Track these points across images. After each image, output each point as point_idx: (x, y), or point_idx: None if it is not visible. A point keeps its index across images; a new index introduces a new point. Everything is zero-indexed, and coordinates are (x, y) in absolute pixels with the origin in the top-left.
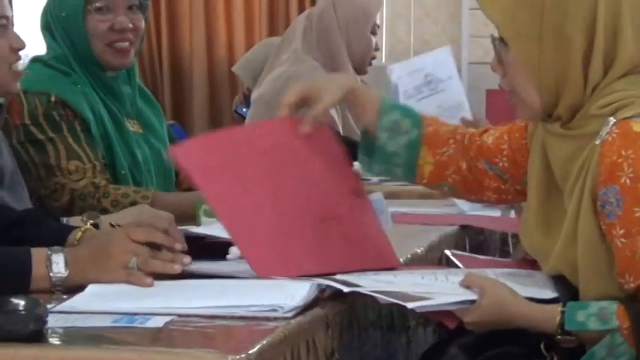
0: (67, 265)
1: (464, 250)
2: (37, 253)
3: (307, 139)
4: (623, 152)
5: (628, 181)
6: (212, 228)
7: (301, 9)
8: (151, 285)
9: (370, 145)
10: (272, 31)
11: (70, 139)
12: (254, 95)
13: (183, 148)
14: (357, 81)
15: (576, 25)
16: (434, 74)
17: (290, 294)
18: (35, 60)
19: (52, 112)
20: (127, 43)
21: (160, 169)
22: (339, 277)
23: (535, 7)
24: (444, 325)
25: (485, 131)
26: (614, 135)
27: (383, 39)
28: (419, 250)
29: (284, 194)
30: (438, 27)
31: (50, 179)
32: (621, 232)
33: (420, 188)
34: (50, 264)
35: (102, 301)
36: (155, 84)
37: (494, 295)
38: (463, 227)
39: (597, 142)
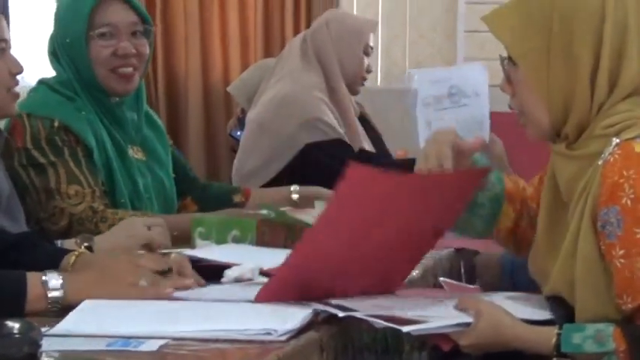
0: (63, 285)
1: (459, 272)
2: (33, 276)
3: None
4: (625, 173)
5: (629, 202)
6: (207, 251)
7: (296, 31)
8: (171, 293)
9: None
10: (267, 53)
11: (72, 164)
12: (249, 116)
13: (357, 170)
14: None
15: (584, 44)
16: (459, 87)
17: (284, 318)
18: (41, 82)
19: (54, 137)
20: (130, 69)
21: (161, 196)
22: (334, 301)
23: (543, 26)
24: (439, 348)
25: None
26: (617, 155)
27: (378, 61)
28: (414, 273)
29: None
30: (433, 49)
31: (49, 203)
32: (621, 252)
33: None
34: (47, 284)
35: (96, 323)
36: (150, 106)
37: (491, 318)
38: (458, 250)
39: (600, 163)
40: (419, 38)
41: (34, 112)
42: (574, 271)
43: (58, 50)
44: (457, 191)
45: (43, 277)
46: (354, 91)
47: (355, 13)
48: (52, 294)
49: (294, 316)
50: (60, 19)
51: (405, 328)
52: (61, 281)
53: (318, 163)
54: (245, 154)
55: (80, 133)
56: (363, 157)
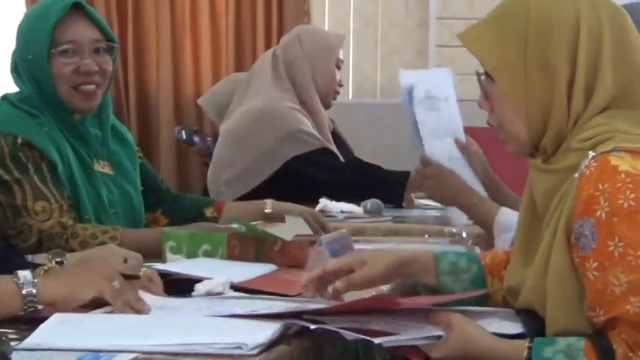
0: (36, 282)
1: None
2: (3, 277)
3: None
4: (600, 186)
5: (603, 215)
6: (177, 265)
7: (268, 44)
8: (148, 311)
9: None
10: (239, 67)
11: (37, 180)
12: (222, 128)
13: None
14: (401, 252)
15: (560, 55)
16: (432, 92)
17: (255, 331)
18: (4, 98)
19: (18, 154)
20: (92, 86)
21: (129, 210)
22: (307, 315)
23: (518, 39)
24: None
25: None
26: (592, 168)
27: (350, 76)
28: (384, 288)
29: None
30: (404, 64)
31: (17, 220)
32: (594, 265)
33: (385, 225)
34: (19, 281)
35: (66, 337)
36: (122, 118)
37: (461, 331)
38: None
39: (576, 176)
40: (390, 53)
41: None
42: (546, 284)
43: (19, 66)
44: None
45: (14, 278)
46: (327, 105)
47: (327, 28)
48: (25, 290)
49: (265, 329)
50: (22, 35)
51: (377, 340)
52: (33, 279)
53: (301, 174)
54: (219, 166)
55: (44, 149)
56: (354, 165)
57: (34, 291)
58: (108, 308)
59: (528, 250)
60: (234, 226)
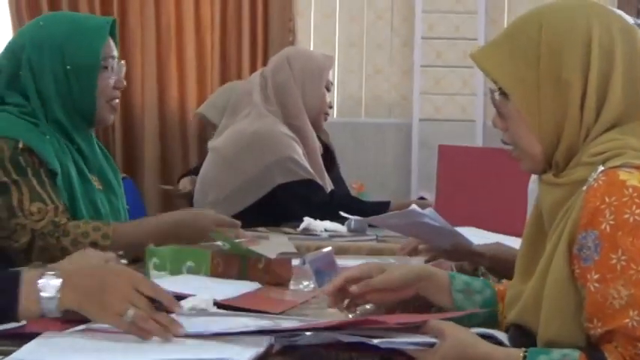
0: (59, 290)
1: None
2: (28, 276)
3: None
4: (607, 199)
5: (608, 228)
6: (161, 282)
7: (253, 62)
8: (150, 338)
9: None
10: (224, 83)
11: (35, 182)
12: (212, 144)
13: None
14: (419, 266)
15: (573, 69)
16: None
17: (240, 347)
18: (2, 110)
19: (18, 157)
20: (118, 101)
21: None
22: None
23: (531, 56)
24: None
25: None
26: (600, 182)
27: (335, 95)
28: (368, 307)
29: None
30: (389, 83)
31: (11, 220)
32: (596, 276)
33: (369, 244)
34: (40, 288)
35: (54, 354)
36: (106, 136)
37: (454, 338)
38: None
39: (584, 188)
40: (375, 73)
41: None
42: (543, 294)
43: (35, 77)
44: None
45: (39, 281)
46: (317, 127)
47: (312, 46)
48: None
49: (250, 345)
50: (54, 46)
51: (375, 341)
52: (58, 285)
53: (286, 203)
54: (206, 186)
55: (44, 156)
56: (334, 198)
57: (53, 298)
58: (93, 324)
59: (529, 265)
60: (218, 243)
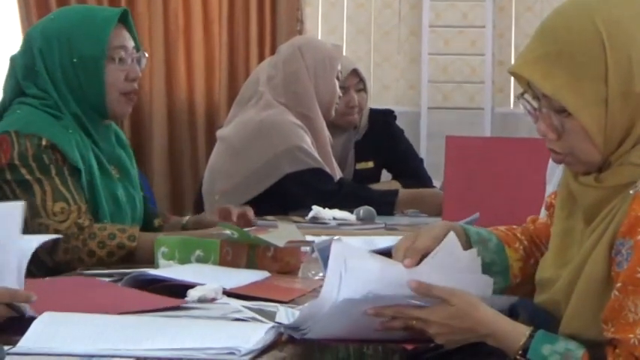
0: None
1: None
2: None
3: None
4: None
5: None
6: (170, 270)
7: (261, 51)
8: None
9: None
10: (232, 77)
11: (58, 181)
12: (220, 133)
13: None
14: (446, 224)
15: None
16: None
17: (247, 336)
18: (22, 103)
19: (42, 155)
20: (133, 93)
21: (132, 215)
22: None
23: (597, 75)
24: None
25: (534, 221)
26: None
27: None
28: None
29: None
30: (397, 72)
31: (34, 220)
32: (618, 284)
33: (378, 232)
34: None
35: (59, 340)
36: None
37: (464, 300)
38: None
39: (631, 192)
40: (382, 61)
41: (22, 129)
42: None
43: (47, 70)
44: None
45: None
46: (328, 116)
47: (320, 36)
48: None
49: (257, 333)
50: (63, 39)
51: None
52: None
53: (294, 193)
54: (214, 175)
55: (67, 152)
56: (343, 187)
57: None
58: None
59: (565, 251)
60: (227, 232)
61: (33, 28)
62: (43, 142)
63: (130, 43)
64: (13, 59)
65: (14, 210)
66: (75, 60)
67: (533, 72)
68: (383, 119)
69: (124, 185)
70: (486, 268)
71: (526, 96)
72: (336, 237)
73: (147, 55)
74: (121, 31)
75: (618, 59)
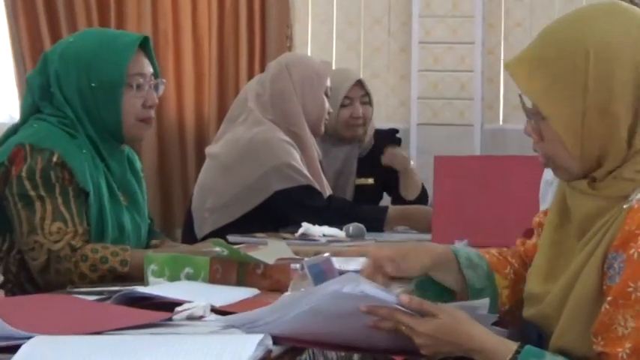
0: None
1: None
2: None
3: None
4: None
5: (636, 255)
6: (160, 288)
7: (250, 68)
8: None
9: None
10: (222, 94)
11: (60, 201)
12: (209, 150)
13: None
14: (434, 251)
15: (623, 103)
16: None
17: (237, 353)
18: (39, 119)
19: (49, 172)
20: (151, 121)
21: (137, 244)
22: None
23: (577, 85)
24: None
25: (523, 243)
26: None
27: None
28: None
29: None
30: (387, 88)
31: (30, 236)
32: (609, 298)
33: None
34: None
35: (56, 356)
36: None
37: (452, 312)
38: None
39: (625, 207)
40: (372, 78)
41: (36, 143)
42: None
43: (65, 93)
44: None
45: None
46: (317, 133)
47: (310, 52)
48: None
49: (246, 350)
50: (82, 63)
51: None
52: None
53: (283, 210)
54: (204, 193)
55: (77, 172)
56: (332, 204)
57: None
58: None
59: (554, 267)
60: (217, 249)
61: (52, 49)
62: (54, 159)
63: (149, 70)
64: (28, 79)
65: None
66: (93, 84)
67: (519, 72)
68: (389, 139)
69: (130, 212)
70: (477, 294)
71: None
72: (325, 254)
73: (165, 81)
74: (140, 57)
75: (600, 74)
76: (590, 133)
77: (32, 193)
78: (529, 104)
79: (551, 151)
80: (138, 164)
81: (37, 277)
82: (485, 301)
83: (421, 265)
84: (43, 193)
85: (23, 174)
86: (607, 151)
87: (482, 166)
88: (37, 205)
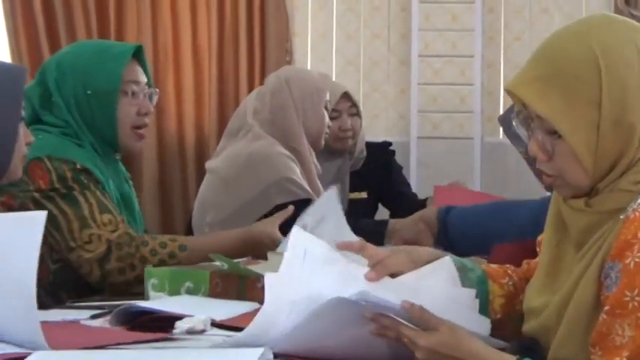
0: None
1: None
2: None
3: None
4: (639, 234)
5: (632, 264)
6: (160, 302)
7: (250, 88)
8: None
9: None
10: (222, 108)
11: (99, 195)
12: (210, 165)
13: None
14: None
15: (637, 113)
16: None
17: None
18: (42, 130)
19: (80, 177)
20: (145, 129)
21: None
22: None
23: (590, 100)
24: None
25: (529, 262)
26: (637, 214)
27: None
28: None
29: None
30: (386, 102)
31: (84, 231)
32: (607, 308)
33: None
34: None
35: None
36: None
37: (451, 329)
38: None
39: (622, 217)
40: (372, 91)
41: (53, 154)
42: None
43: (62, 101)
44: None
45: None
46: (317, 147)
47: (309, 66)
48: None
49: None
50: (77, 71)
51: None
52: None
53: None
54: (204, 207)
55: (99, 176)
56: None
57: None
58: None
59: (554, 280)
60: (217, 263)
61: (49, 60)
62: (78, 166)
63: (143, 79)
64: (27, 91)
65: (37, 219)
66: (89, 92)
67: (528, 92)
68: (381, 152)
69: (128, 221)
70: None
71: (520, 116)
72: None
73: (158, 91)
74: (134, 66)
75: (613, 86)
76: (604, 146)
77: (72, 192)
78: (538, 125)
79: (563, 168)
80: (127, 174)
81: (95, 269)
82: (471, 292)
83: (413, 260)
84: (82, 190)
85: (57, 184)
86: (619, 162)
87: (481, 202)
88: (82, 200)
